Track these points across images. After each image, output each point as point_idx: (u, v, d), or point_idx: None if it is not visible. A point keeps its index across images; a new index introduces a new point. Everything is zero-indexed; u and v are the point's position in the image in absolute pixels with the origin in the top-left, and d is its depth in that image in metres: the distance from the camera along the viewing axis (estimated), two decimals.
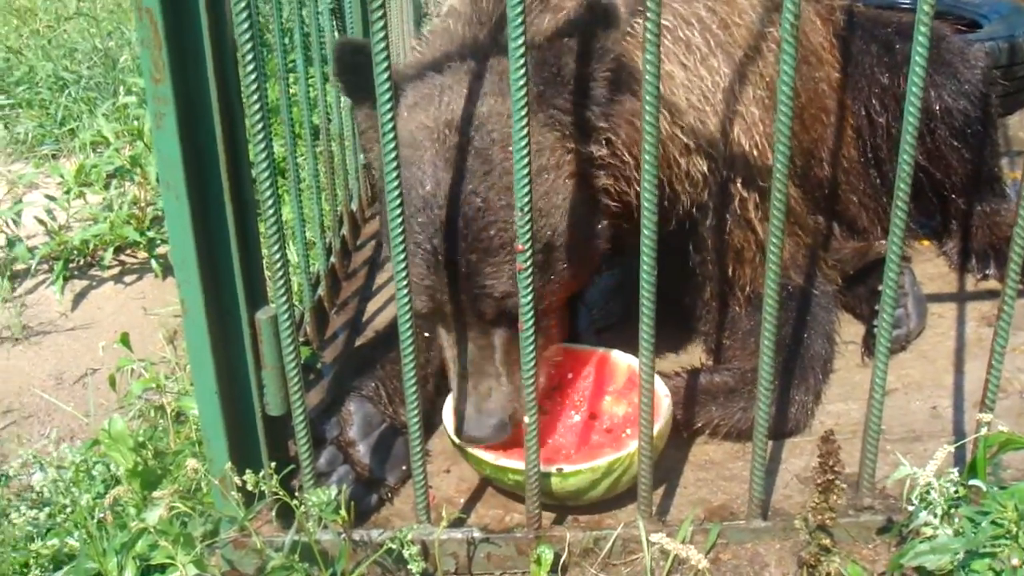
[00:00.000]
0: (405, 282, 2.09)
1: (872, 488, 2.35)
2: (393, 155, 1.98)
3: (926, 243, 3.70)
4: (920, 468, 1.98)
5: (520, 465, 2.31)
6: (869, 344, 3.06)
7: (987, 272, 3.47)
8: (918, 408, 2.85)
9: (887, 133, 3.34)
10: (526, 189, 1.96)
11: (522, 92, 1.89)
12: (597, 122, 2.38)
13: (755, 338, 2.79)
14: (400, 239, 2.05)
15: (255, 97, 1.97)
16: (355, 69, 2.48)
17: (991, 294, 3.38)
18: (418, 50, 2.56)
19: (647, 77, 1.90)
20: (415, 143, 2.33)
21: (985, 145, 3.44)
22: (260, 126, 2.00)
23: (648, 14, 1.84)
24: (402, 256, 2.06)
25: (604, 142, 2.41)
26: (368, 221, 4.16)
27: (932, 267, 3.59)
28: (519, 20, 1.84)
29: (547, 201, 2.32)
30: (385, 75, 1.92)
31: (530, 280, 2.05)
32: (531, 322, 2.08)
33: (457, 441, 2.45)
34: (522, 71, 1.87)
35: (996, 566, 1.56)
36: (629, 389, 2.59)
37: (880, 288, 3.11)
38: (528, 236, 2.01)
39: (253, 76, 1.95)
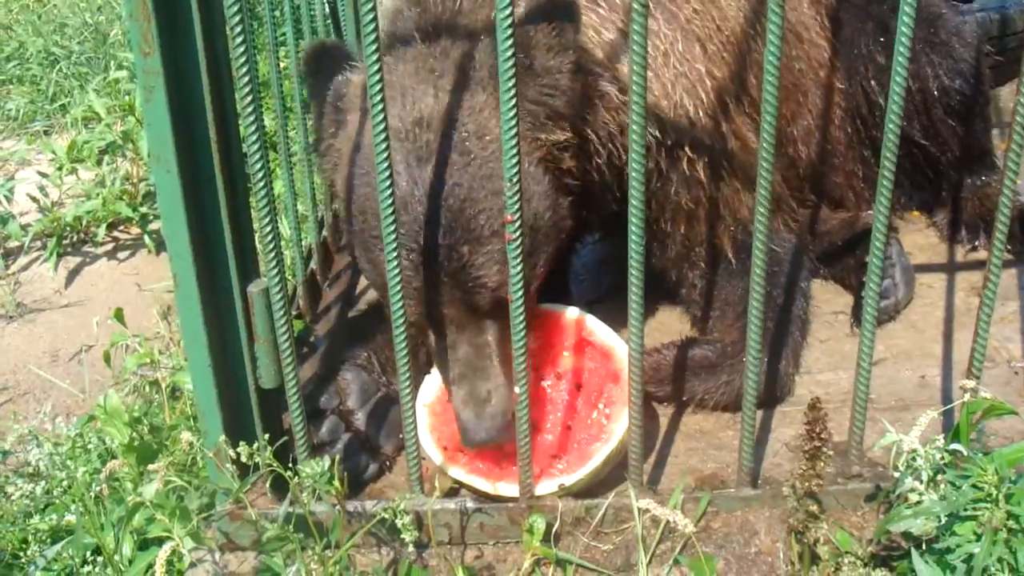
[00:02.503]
0: (395, 261, 2.10)
1: (860, 456, 2.37)
2: (382, 118, 1.99)
3: (916, 214, 3.71)
4: (907, 435, 2.00)
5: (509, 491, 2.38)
6: (858, 314, 3.07)
7: (977, 243, 3.49)
8: (907, 377, 2.87)
9: (884, 113, 3.32)
10: (515, 161, 1.97)
11: (510, 66, 1.90)
12: (564, 110, 2.41)
13: (732, 307, 2.81)
14: (391, 224, 2.06)
15: (244, 70, 1.97)
16: (322, 71, 2.53)
17: (981, 264, 3.36)
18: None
19: (634, 57, 1.90)
20: None
21: (979, 121, 3.45)
22: (249, 99, 2.01)
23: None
24: (393, 237, 2.08)
25: (569, 126, 2.43)
26: None
27: (922, 238, 3.61)
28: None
29: (525, 187, 2.31)
30: (373, 37, 1.92)
31: (520, 252, 2.06)
32: (520, 295, 2.10)
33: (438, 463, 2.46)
34: (510, 49, 1.88)
35: (978, 529, 1.59)
36: (584, 341, 2.60)
37: (867, 259, 3.16)
38: (517, 208, 2.02)
39: (242, 49, 1.96)
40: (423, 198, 2.26)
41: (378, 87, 1.96)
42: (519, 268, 2.07)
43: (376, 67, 1.95)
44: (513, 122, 1.95)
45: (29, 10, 7.40)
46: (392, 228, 2.07)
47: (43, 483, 2.39)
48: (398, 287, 2.14)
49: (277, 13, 3.30)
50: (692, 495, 2.39)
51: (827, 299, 3.24)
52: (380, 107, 1.98)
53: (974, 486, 1.62)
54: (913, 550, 1.76)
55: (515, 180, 1.99)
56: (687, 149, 2.70)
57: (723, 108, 2.73)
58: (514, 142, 1.96)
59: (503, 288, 2.28)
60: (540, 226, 2.39)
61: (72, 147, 5.13)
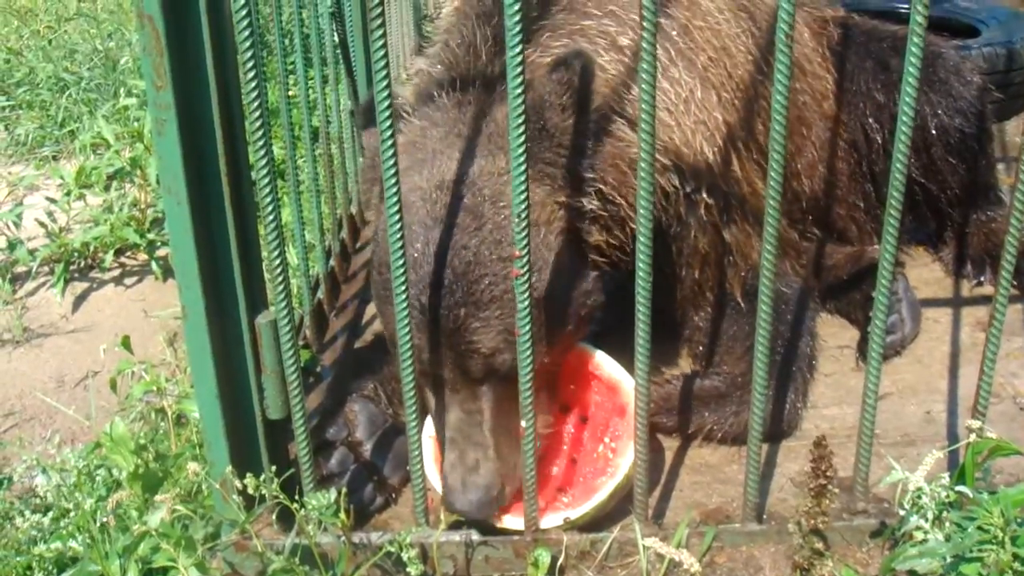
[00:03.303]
0: (403, 286, 2.11)
1: (866, 492, 2.37)
2: (393, 172, 2.01)
3: (920, 248, 3.72)
4: (912, 472, 2.01)
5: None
6: (864, 349, 3.08)
7: (982, 278, 3.50)
8: (912, 412, 2.87)
9: (883, 150, 3.37)
10: (523, 196, 1.99)
11: (519, 105, 1.92)
12: (585, 173, 2.42)
13: (739, 343, 2.83)
14: (402, 284, 2.07)
15: (256, 103, 1.99)
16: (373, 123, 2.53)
17: (986, 299, 3.40)
18: (405, 118, 2.55)
19: (643, 96, 1.92)
20: (407, 204, 2.33)
21: (981, 159, 3.47)
22: (260, 131, 2.02)
23: (644, 34, 1.86)
24: (402, 279, 2.09)
25: (594, 193, 2.44)
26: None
27: (928, 272, 3.62)
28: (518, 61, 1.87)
29: (537, 256, 2.32)
30: (384, 72, 1.94)
31: (527, 286, 2.07)
32: (528, 326, 2.10)
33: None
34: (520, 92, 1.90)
35: (984, 571, 1.59)
36: (590, 375, 2.60)
37: (873, 294, 3.18)
38: (525, 244, 2.03)
39: (254, 82, 1.98)
40: (432, 258, 2.29)
41: (391, 151, 1.99)
42: (526, 304, 2.08)
43: (389, 134, 1.98)
44: (522, 149, 1.96)
45: (40, 36, 7.46)
46: (403, 285, 2.10)
47: (50, 513, 2.39)
48: (407, 328, 2.15)
49: (287, 42, 3.32)
50: (697, 530, 2.39)
51: (832, 333, 3.25)
52: (393, 171, 2.01)
53: (980, 528, 1.62)
54: None
55: (523, 215, 2.00)
56: (704, 195, 2.72)
57: (737, 154, 2.76)
58: (523, 172, 1.97)
59: (498, 356, 2.30)
60: (552, 302, 2.37)
61: (80, 173, 5.15)
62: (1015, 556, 1.57)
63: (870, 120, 3.33)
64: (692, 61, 2.72)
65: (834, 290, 3.33)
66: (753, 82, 2.85)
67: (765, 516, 2.43)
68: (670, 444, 2.76)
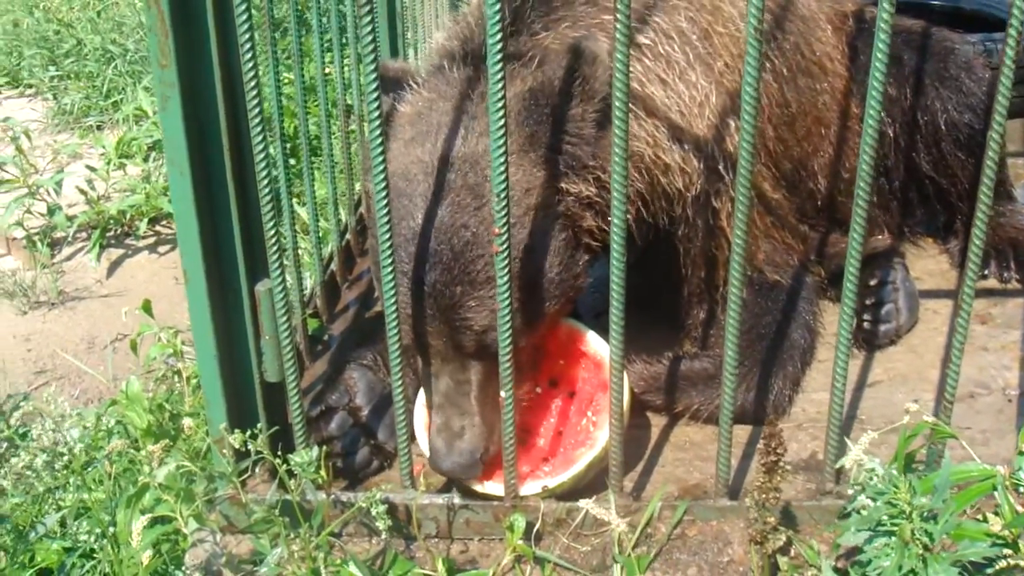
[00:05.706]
0: (391, 272, 2.22)
1: (834, 474, 2.44)
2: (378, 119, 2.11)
3: (930, 240, 3.76)
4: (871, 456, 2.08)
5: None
6: (859, 336, 3.14)
7: (986, 272, 3.52)
8: (900, 400, 2.91)
9: (895, 143, 3.42)
10: (503, 176, 2.08)
11: (499, 75, 2.01)
12: (587, 160, 2.47)
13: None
14: (389, 257, 2.19)
15: (252, 83, 2.10)
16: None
17: (988, 293, 3.43)
18: (414, 88, 2.62)
19: (617, 83, 2.00)
20: (409, 176, 2.42)
21: None
22: (256, 111, 2.13)
23: (618, 26, 1.94)
24: (390, 260, 2.19)
25: (593, 180, 2.49)
26: None
27: (934, 264, 3.65)
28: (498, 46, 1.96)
29: (533, 240, 2.40)
30: (371, 47, 2.05)
31: (507, 262, 2.16)
32: (507, 301, 2.20)
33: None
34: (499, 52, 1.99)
35: (892, 542, 1.67)
36: (580, 352, 2.70)
37: (871, 283, 3.22)
38: (504, 220, 2.12)
39: (250, 63, 2.09)
40: (431, 233, 2.36)
41: (379, 140, 2.09)
42: (506, 280, 2.18)
43: (378, 131, 2.09)
44: (501, 132, 2.05)
45: (89, 8, 7.65)
46: (389, 256, 2.21)
47: (44, 456, 2.53)
48: (392, 293, 2.25)
49: (324, 20, 3.44)
50: (671, 503, 2.48)
51: (831, 320, 3.28)
52: (380, 159, 2.10)
53: (889, 503, 1.70)
54: (824, 561, 1.86)
55: (503, 195, 2.10)
56: (712, 199, 2.77)
57: None
58: (502, 152, 2.07)
59: (489, 333, 2.38)
60: (542, 283, 2.45)
61: (121, 143, 5.33)
62: (923, 530, 1.64)
63: (882, 114, 3.37)
64: (710, 66, 2.75)
65: (836, 278, 3.37)
66: (768, 90, 2.89)
67: (741, 493, 2.51)
68: (657, 421, 2.84)
